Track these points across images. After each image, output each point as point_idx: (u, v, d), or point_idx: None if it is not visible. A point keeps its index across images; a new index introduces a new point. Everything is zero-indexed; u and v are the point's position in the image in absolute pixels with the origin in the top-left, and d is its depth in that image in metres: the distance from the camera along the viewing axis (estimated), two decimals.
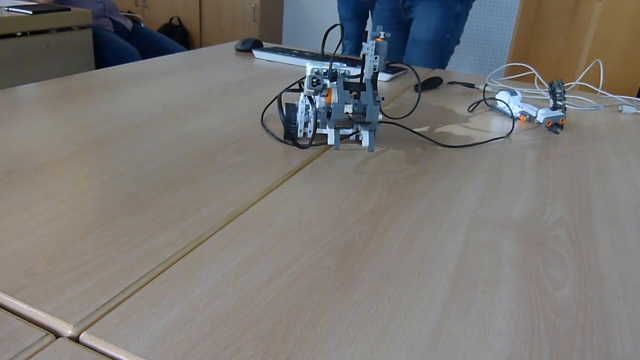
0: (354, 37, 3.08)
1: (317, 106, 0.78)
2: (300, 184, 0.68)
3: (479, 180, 0.74)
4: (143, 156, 0.73)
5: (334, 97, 0.75)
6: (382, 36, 0.76)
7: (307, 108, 0.80)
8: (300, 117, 0.81)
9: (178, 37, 4.17)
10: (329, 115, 0.78)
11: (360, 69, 0.83)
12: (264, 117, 0.93)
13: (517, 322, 0.45)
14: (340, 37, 0.88)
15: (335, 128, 0.76)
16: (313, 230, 0.57)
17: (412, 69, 0.94)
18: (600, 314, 0.47)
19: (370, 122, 0.73)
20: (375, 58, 0.76)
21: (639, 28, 1.90)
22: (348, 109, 0.78)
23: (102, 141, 0.77)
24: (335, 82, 0.75)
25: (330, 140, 0.76)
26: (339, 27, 0.87)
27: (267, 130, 0.85)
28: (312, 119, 0.80)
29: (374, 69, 0.77)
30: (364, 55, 0.78)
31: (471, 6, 1.59)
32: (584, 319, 0.46)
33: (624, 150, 0.92)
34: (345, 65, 0.81)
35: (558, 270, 0.53)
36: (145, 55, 2.44)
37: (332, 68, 0.78)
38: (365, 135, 0.75)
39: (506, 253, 0.56)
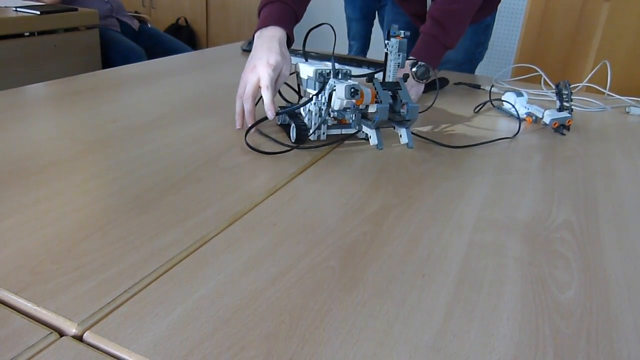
0: (361, 38, 3.07)
1: (334, 107, 0.78)
2: (306, 184, 0.68)
3: (484, 181, 0.74)
4: (148, 156, 0.73)
5: (366, 98, 0.76)
6: (401, 35, 0.77)
7: (320, 110, 0.80)
8: (314, 119, 0.80)
9: (185, 37, 4.18)
10: (363, 116, 0.80)
11: (365, 70, 0.83)
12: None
13: (522, 324, 0.45)
14: (333, 38, 0.88)
15: (377, 128, 0.77)
16: (317, 231, 0.57)
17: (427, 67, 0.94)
18: (606, 317, 0.47)
19: (409, 120, 0.74)
20: (399, 55, 0.76)
21: None
22: (340, 104, 0.78)
23: (108, 141, 0.78)
24: (370, 84, 0.76)
25: (374, 141, 0.78)
26: (345, 25, 0.87)
27: (271, 139, 0.85)
28: (322, 121, 0.80)
29: (398, 66, 0.77)
30: (386, 54, 0.78)
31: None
32: (589, 321, 0.46)
33: (631, 152, 0.91)
34: (346, 66, 0.81)
35: (563, 272, 0.53)
36: (152, 56, 2.44)
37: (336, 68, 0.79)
38: (404, 133, 0.77)
39: (511, 254, 0.55)
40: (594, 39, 1.96)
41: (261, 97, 0.83)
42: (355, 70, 1.33)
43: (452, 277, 0.50)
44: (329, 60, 1.38)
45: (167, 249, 0.51)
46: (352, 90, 0.72)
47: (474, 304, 0.47)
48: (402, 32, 0.76)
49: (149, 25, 2.76)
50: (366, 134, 0.82)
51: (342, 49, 4.66)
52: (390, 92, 0.75)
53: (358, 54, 3.03)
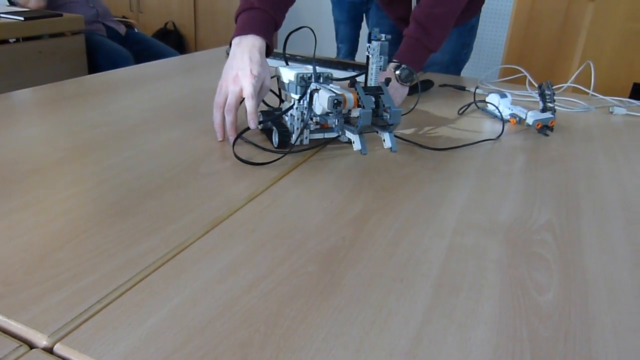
0: (349, 41, 3.08)
1: (315, 111, 0.77)
2: (286, 189, 0.68)
3: (466, 184, 0.74)
4: (128, 163, 0.73)
5: (349, 102, 0.75)
6: (383, 38, 0.76)
7: (302, 114, 0.79)
8: (296, 124, 0.80)
9: (173, 41, 4.17)
10: (346, 121, 0.79)
11: (351, 72, 0.82)
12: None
13: (499, 328, 0.44)
14: (314, 41, 0.88)
15: (360, 133, 0.76)
16: (297, 236, 0.57)
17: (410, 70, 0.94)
18: (584, 318, 0.47)
19: (392, 124, 0.74)
20: (380, 58, 0.76)
21: (632, 28, 1.91)
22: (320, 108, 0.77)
23: (88, 148, 0.77)
24: (352, 88, 0.75)
25: (357, 146, 0.77)
26: (334, 28, 0.86)
27: (253, 144, 0.84)
28: (305, 125, 0.80)
29: (380, 69, 0.77)
30: (367, 57, 0.77)
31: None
32: (568, 324, 0.46)
33: (613, 152, 0.92)
34: (328, 69, 0.81)
35: (543, 274, 0.53)
36: (139, 61, 2.43)
37: (317, 72, 0.78)
38: (387, 137, 0.76)
39: (491, 257, 0.55)
40: (579, 39, 1.98)
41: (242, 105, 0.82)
42: (339, 74, 1.33)
43: (431, 282, 0.50)
44: (311, 63, 1.38)
45: (143, 257, 0.51)
46: (335, 102, 0.72)
47: (452, 308, 0.47)
48: (383, 35, 0.75)
49: (136, 30, 2.75)
50: (349, 138, 0.82)
51: (331, 52, 4.66)
52: (372, 96, 0.75)
53: (346, 57, 3.03)
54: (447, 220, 0.63)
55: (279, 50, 1.04)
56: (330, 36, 4.39)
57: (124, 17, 4.32)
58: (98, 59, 2.28)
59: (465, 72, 1.62)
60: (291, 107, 0.79)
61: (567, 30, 2.10)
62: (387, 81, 0.76)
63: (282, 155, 0.77)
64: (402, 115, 0.97)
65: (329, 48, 4.46)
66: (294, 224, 0.59)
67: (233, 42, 0.90)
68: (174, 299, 0.45)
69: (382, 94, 0.73)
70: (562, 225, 0.64)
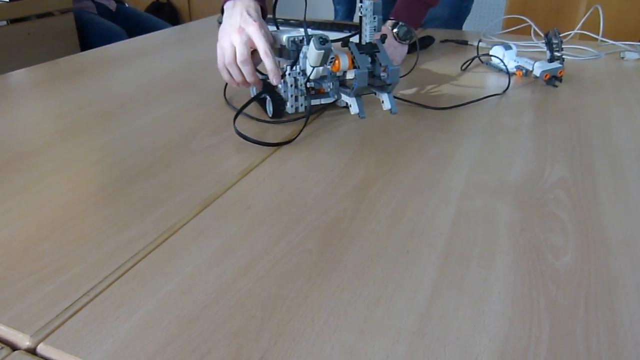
0: (346, 2, 2.98)
1: (311, 75, 0.73)
2: (283, 161, 0.64)
3: (473, 143, 0.70)
4: (116, 143, 0.69)
5: (343, 63, 0.70)
6: None
7: (296, 81, 0.75)
8: (290, 90, 0.76)
9: (167, 14, 4.07)
10: (342, 84, 0.74)
11: (347, 34, 0.77)
12: (227, 96, 0.87)
13: (514, 297, 0.41)
14: (315, 5, 0.82)
15: (357, 96, 0.72)
16: (294, 211, 0.53)
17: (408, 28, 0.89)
18: (605, 280, 0.43)
19: (390, 84, 0.69)
20: (374, 18, 0.71)
21: None
22: (318, 72, 0.72)
23: (74, 130, 0.74)
24: (346, 48, 0.70)
25: (354, 109, 0.72)
26: None
27: (247, 115, 0.80)
28: (300, 92, 0.75)
29: (374, 30, 0.71)
30: (360, 18, 0.72)
31: None
32: (588, 288, 0.43)
33: (627, 100, 0.87)
34: (320, 32, 0.76)
35: (559, 236, 0.49)
36: (131, 36, 2.37)
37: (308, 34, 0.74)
38: (385, 99, 0.71)
39: (502, 221, 0.52)
40: None
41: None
42: (335, 35, 1.28)
43: (439, 252, 0.47)
44: (323, 27, 1.32)
45: (132, 244, 0.48)
46: (321, 40, 0.67)
47: (462, 279, 0.43)
48: None
49: (127, 5, 2.67)
50: (346, 102, 0.77)
51: (329, 14, 4.55)
52: (368, 55, 0.70)
53: (344, 19, 2.95)
54: (454, 183, 0.59)
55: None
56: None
57: None
58: (90, 38, 2.23)
59: (467, 25, 1.56)
60: (284, 74, 0.75)
61: None
62: (383, 38, 0.71)
63: (285, 142, 0.73)
64: (402, 76, 0.92)
65: (327, 10, 4.34)
66: (291, 198, 0.56)
67: (225, 6, 0.84)
68: (165, 287, 0.42)
69: (378, 52, 0.68)
70: (577, 181, 0.60)
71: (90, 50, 1.19)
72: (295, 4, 4.50)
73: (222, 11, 0.84)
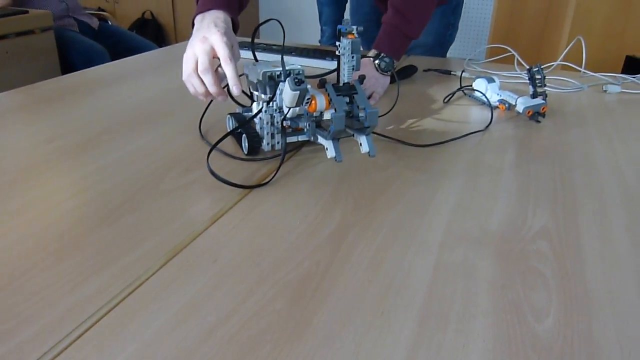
0: (332, 23, 2.97)
1: (288, 114, 0.70)
2: (256, 204, 0.62)
3: (454, 185, 0.68)
4: (81, 183, 0.66)
5: (320, 104, 0.67)
6: (354, 32, 0.67)
7: (272, 118, 0.73)
8: (266, 128, 0.73)
9: (151, 32, 4.05)
10: (318, 125, 0.71)
11: (330, 62, 0.74)
12: (202, 129, 0.84)
13: None
14: (283, 33, 0.79)
15: (334, 139, 0.68)
16: (264, 264, 0.50)
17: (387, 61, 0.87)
18: (588, 346, 0.41)
19: (369, 127, 0.66)
20: (353, 57, 0.67)
21: None
22: (293, 111, 0.70)
23: (38, 167, 0.70)
24: (324, 89, 0.66)
25: (331, 153, 0.68)
26: (275, 22, 0.79)
27: (221, 151, 0.78)
28: (276, 129, 0.73)
29: (353, 69, 0.68)
30: (338, 56, 0.69)
31: None
32: (570, 355, 0.40)
33: (609, 137, 0.86)
34: (298, 66, 0.73)
35: (540, 294, 0.47)
36: (115, 54, 2.34)
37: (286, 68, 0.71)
38: (364, 141, 0.67)
39: (482, 277, 0.49)
40: (569, 9, 1.90)
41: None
42: (317, 63, 1.26)
43: (415, 313, 0.44)
44: (287, 53, 1.30)
45: (89, 303, 0.45)
46: (296, 80, 0.64)
47: (440, 345, 0.41)
48: (354, 27, 0.66)
49: (110, 23, 2.65)
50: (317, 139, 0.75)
51: (316, 34, 4.56)
52: (346, 97, 0.67)
53: (330, 40, 2.94)
54: (433, 231, 0.57)
55: (247, 38, 0.95)
56: (314, 18, 4.29)
57: (100, 8, 4.19)
58: (71, 56, 2.19)
59: (451, 52, 1.55)
60: (260, 110, 0.72)
61: (555, 3, 2.02)
62: (361, 79, 0.68)
63: (257, 184, 0.70)
64: (381, 115, 0.90)
65: (314, 32, 4.35)
66: (262, 248, 0.53)
67: (195, 20, 0.81)
68: (119, 356, 0.39)
69: (356, 94, 0.66)
70: (560, 230, 0.58)
71: (68, 75, 1.15)
72: (276, 27, 4.50)
73: (193, 25, 0.82)
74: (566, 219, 0.60)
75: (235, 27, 0.83)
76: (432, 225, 0.58)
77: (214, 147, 0.71)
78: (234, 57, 0.73)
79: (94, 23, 2.48)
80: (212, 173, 0.66)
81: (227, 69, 0.71)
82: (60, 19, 2.31)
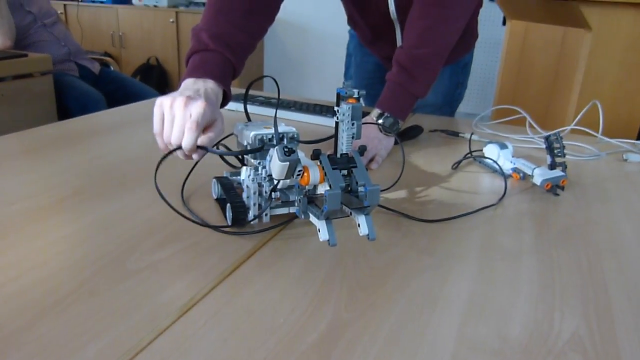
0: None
1: (279, 185, 0.62)
2: (236, 290, 0.53)
3: (466, 272, 0.58)
4: (34, 258, 0.57)
5: (313, 178, 0.58)
6: (355, 96, 0.58)
7: (260, 187, 0.64)
8: (253, 198, 0.65)
9: (156, 77, 4.06)
10: (310, 201, 0.60)
11: (331, 119, 0.66)
12: (184, 194, 0.76)
13: None
14: (277, 92, 0.72)
15: (327, 219, 0.57)
16: None
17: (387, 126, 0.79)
18: None
19: (368, 207, 0.55)
20: (353, 124, 0.58)
21: (633, 60, 1.79)
22: (283, 182, 0.61)
23: None
24: (317, 160, 0.57)
25: (324, 235, 0.57)
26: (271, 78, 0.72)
27: (198, 221, 0.69)
28: (264, 199, 0.65)
29: (352, 137, 0.58)
30: (336, 123, 0.59)
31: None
32: None
33: (637, 213, 0.77)
34: (293, 128, 0.66)
35: None
36: (114, 100, 2.30)
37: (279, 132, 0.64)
38: (362, 222, 0.56)
39: None
40: (578, 72, 1.86)
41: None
42: (318, 120, 1.19)
43: None
44: (285, 107, 1.22)
45: None
46: (286, 150, 0.56)
47: None
48: (355, 91, 0.58)
49: (111, 69, 2.62)
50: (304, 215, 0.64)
51: (318, 85, 4.56)
52: (343, 170, 0.58)
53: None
54: (443, 337, 0.47)
55: (259, 90, 0.88)
56: (318, 68, 4.29)
57: (106, 52, 4.22)
58: (67, 101, 2.14)
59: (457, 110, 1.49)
60: (248, 176, 0.64)
61: (564, 62, 1.98)
62: (362, 150, 0.60)
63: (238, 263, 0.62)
64: (383, 190, 0.81)
65: (316, 82, 4.35)
66: (234, 356, 0.43)
67: (186, 81, 0.75)
68: None
69: (355, 167, 0.57)
70: (594, 337, 0.48)
71: (50, 124, 1.08)
72: (286, 78, 4.51)
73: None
74: (600, 323, 0.51)
75: (225, 100, 0.79)
76: (441, 329, 0.49)
77: (193, 220, 0.63)
78: (215, 133, 0.68)
79: (95, 68, 2.45)
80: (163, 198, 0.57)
81: (188, 135, 0.65)
82: (61, 63, 2.28)
